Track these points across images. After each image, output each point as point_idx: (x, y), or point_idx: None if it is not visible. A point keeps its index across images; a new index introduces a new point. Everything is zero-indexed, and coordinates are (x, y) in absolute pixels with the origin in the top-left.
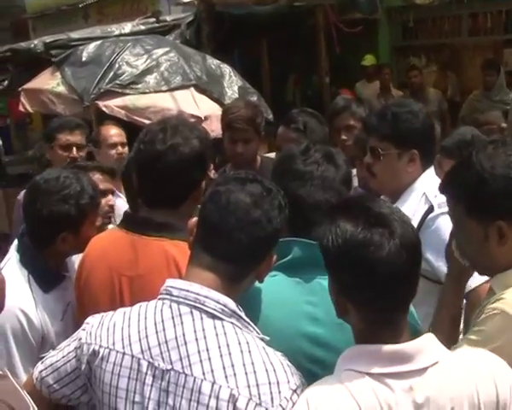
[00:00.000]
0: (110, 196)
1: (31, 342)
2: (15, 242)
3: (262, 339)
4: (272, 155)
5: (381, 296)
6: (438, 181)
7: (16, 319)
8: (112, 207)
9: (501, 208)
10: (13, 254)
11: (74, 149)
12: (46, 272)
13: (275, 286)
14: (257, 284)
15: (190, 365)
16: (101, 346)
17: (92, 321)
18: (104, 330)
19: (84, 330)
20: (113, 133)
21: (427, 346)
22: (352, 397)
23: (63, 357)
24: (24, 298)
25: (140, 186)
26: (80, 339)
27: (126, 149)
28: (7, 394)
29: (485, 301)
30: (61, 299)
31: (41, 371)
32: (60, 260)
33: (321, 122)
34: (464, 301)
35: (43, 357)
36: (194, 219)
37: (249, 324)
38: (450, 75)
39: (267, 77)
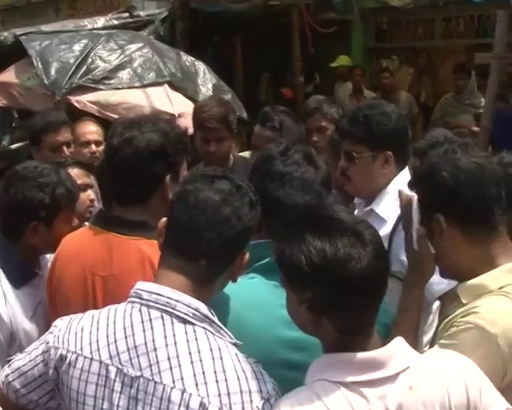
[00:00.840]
0: (90, 191)
1: None
2: None
3: (235, 344)
4: (246, 153)
5: (359, 306)
6: None
7: None
8: (92, 202)
9: (440, 204)
10: None
11: (64, 148)
12: (18, 267)
13: (251, 289)
14: (232, 285)
15: (160, 372)
16: (68, 351)
17: (60, 324)
18: (72, 334)
19: (51, 333)
20: (87, 131)
21: (397, 351)
22: (327, 408)
23: (30, 361)
24: None
25: (109, 183)
26: (48, 343)
27: (103, 147)
28: None
29: (450, 311)
30: (33, 296)
31: (7, 376)
32: (32, 255)
33: (296, 121)
34: (437, 303)
35: (10, 360)
36: (164, 220)
37: (221, 328)
38: (425, 80)
39: (240, 75)
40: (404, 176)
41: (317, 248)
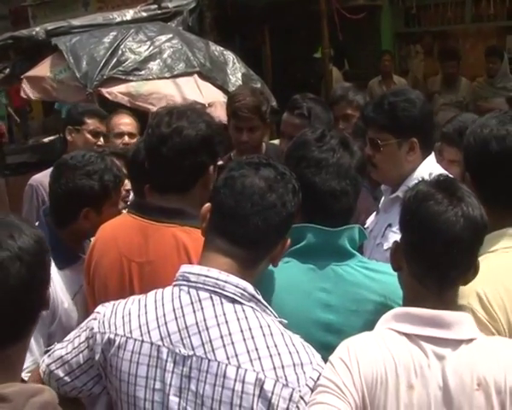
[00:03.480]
0: (126, 181)
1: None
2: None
3: (280, 322)
4: (275, 141)
5: (430, 255)
6: (439, 168)
7: None
8: (128, 192)
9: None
10: None
11: (101, 137)
12: (62, 248)
13: (287, 272)
14: (269, 270)
15: (213, 350)
16: (116, 335)
17: (103, 310)
18: (119, 318)
19: (95, 319)
20: (121, 122)
21: (466, 321)
22: (390, 353)
23: (74, 349)
24: None
25: (150, 171)
26: (92, 329)
27: (136, 139)
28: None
29: None
30: (75, 279)
31: (49, 365)
32: (80, 239)
33: (325, 109)
34: None
35: (50, 349)
36: (207, 205)
37: (267, 307)
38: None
39: (269, 64)
40: (430, 163)
41: (418, 189)
